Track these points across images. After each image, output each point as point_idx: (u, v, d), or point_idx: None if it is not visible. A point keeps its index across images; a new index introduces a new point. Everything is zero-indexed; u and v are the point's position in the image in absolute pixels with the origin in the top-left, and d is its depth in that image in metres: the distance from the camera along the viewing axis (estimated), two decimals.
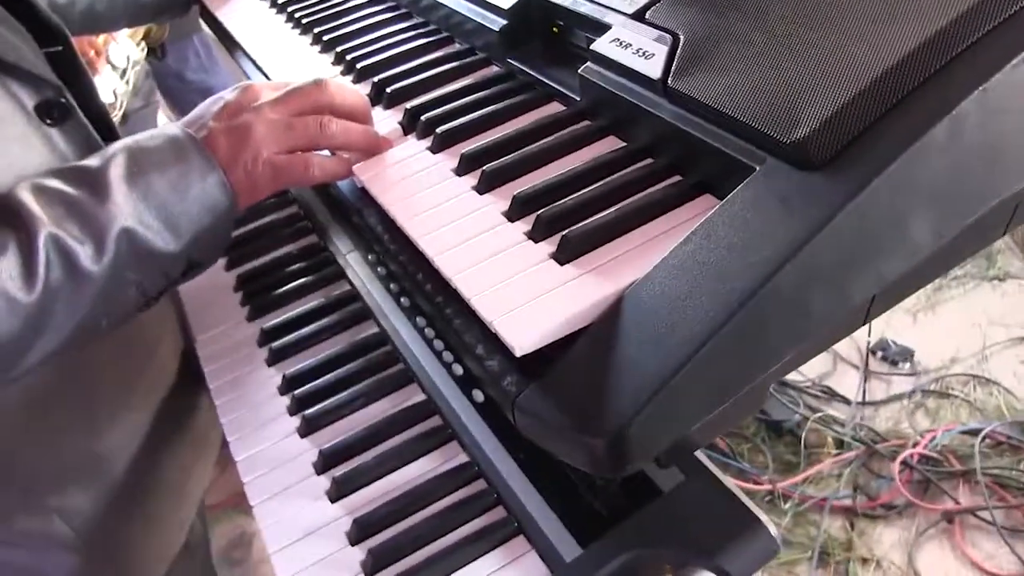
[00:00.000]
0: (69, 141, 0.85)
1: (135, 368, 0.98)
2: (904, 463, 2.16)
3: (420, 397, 0.88)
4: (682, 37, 0.68)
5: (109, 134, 0.92)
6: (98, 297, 0.72)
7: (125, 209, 0.72)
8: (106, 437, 0.94)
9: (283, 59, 1.11)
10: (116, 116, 1.84)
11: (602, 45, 0.74)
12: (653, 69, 0.68)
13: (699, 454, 0.73)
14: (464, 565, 0.73)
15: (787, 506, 2.12)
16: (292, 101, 0.80)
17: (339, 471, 0.82)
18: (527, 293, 0.61)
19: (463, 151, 0.76)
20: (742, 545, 0.66)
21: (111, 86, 1.87)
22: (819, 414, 2.34)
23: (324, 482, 0.82)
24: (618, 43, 0.73)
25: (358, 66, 0.98)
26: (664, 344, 0.54)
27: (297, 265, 1.11)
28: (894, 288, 0.62)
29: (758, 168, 0.59)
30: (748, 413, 0.65)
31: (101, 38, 1.86)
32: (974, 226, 0.62)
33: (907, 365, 2.48)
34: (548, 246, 0.65)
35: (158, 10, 1.40)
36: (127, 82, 1.93)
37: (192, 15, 1.46)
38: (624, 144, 0.73)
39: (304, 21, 1.16)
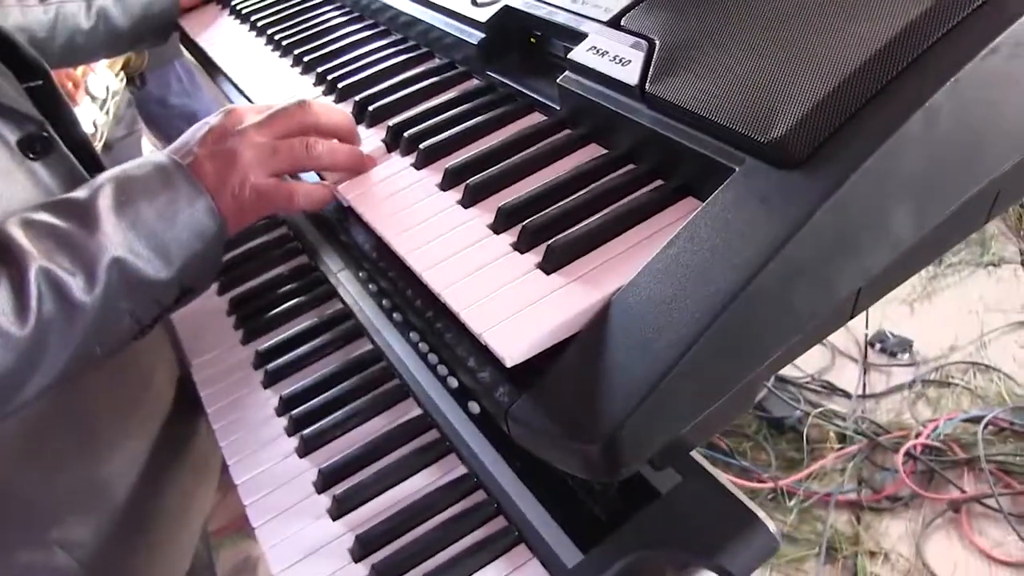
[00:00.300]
0: (53, 174, 0.85)
1: (131, 396, 0.98)
2: (907, 454, 2.17)
3: (416, 412, 0.88)
4: (657, 42, 0.69)
5: (93, 165, 0.92)
6: (91, 328, 0.72)
7: (115, 239, 0.72)
8: (105, 466, 0.94)
9: (265, 82, 1.12)
10: (97, 146, 1.85)
11: (579, 54, 0.74)
12: (630, 75, 0.69)
13: (698, 454, 0.73)
14: None
15: (792, 503, 2.12)
16: (276, 123, 0.81)
17: (339, 489, 0.82)
18: (515, 304, 0.61)
19: (447, 166, 0.77)
20: (741, 543, 0.66)
21: (91, 117, 1.88)
22: (820, 409, 2.34)
23: (325, 500, 0.82)
24: (595, 51, 0.73)
25: (339, 85, 0.98)
26: (652, 348, 0.54)
27: (289, 286, 1.11)
28: (880, 280, 0.63)
29: (737, 169, 0.60)
30: (741, 411, 0.65)
31: (80, 69, 1.87)
32: (956, 215, 0.63)
33: (906, 356, 2.48)
34: (534, 256, 0.65)
35: (137, 39, 1.41)
36: (107, 112, 1.94)
37: (172, 41, 1.47)
38: (605, 151, 0.74)
39: (284, 43, 1.17)
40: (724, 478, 0.71)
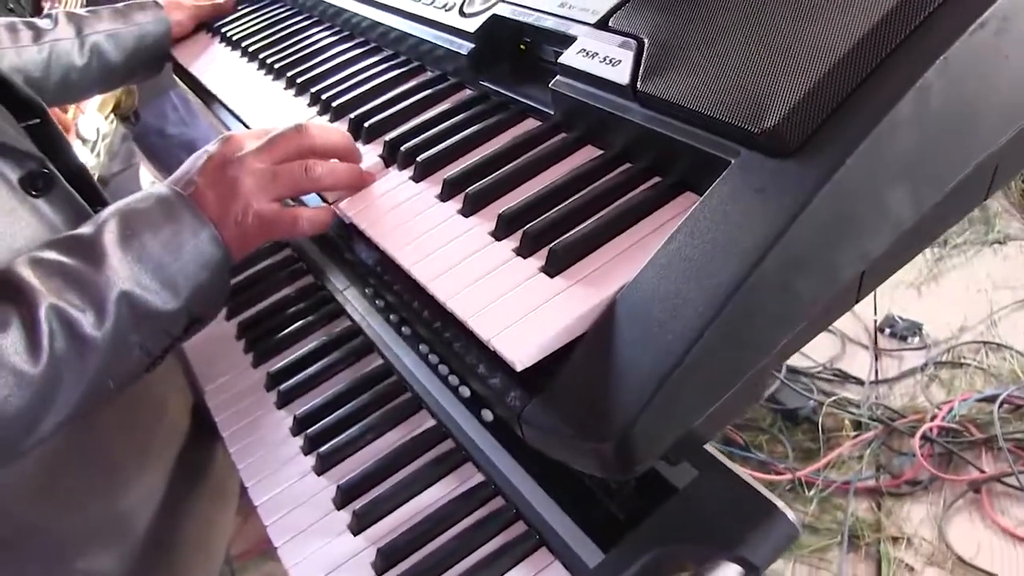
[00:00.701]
0: (57, 210, 0.86)
1: (146, 427, 0.98)
2: (924, 437, 2.16)
3: (431, 423, 0.88)
4: (646, 41, 0.69)
5: (95, 199, 0.93)
6: (103, 362, 0.72)
7: (122, 273, 0.73)
8: (125, 499, 0.94)
9: (260, 106, 1.13)
10: None
11: (569, 57, 0.75)
12: (621, 75, 0.69)
13: (713, 449, 0.73)
14: None
15: (811, 493, 2.11)
16: (275, 148, 0.81)
17: (358, 504, 0.83)
18: (521, 308, 0.62)
19: (445, 176, 0.77)
20: (761, 533, 0.66)
21: (81, 159, 1.89)
22: (833, 398, 2.34)
23: (345, 516, 0.83)
24: (585, 53, 0.74)
25: (334, 105, 0.99)
26: (659, 343, 0.55)
27: (296, 307, 1.12)
28: (882, 262, 0.63)
29: (733, 161, 0.60)
30: (752, 402, 0.65)
31: (70, 112, 1.88)
32: (954, 193, 0.63)
33: (916, 339, 2.48)
34: (537, 260, 0.66)
35: (131, 72, 1.42)
36: (97, 155, 1.95)
37: (166, 71, 1.48)
38: (601, 152, 0.74)
39: (277, 66, 1.17)
40: (741, 470, 0.71)
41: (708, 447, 0.73)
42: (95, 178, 1.83)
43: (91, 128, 1.93)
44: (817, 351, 2.50)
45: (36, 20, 1.32)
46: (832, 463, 2.18)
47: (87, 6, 1.49)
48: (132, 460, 0.96)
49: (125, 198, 0.79)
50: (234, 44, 1.34)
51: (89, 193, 0.93)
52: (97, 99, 1.93)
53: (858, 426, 2.26)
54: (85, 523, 0.91)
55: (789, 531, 0.67)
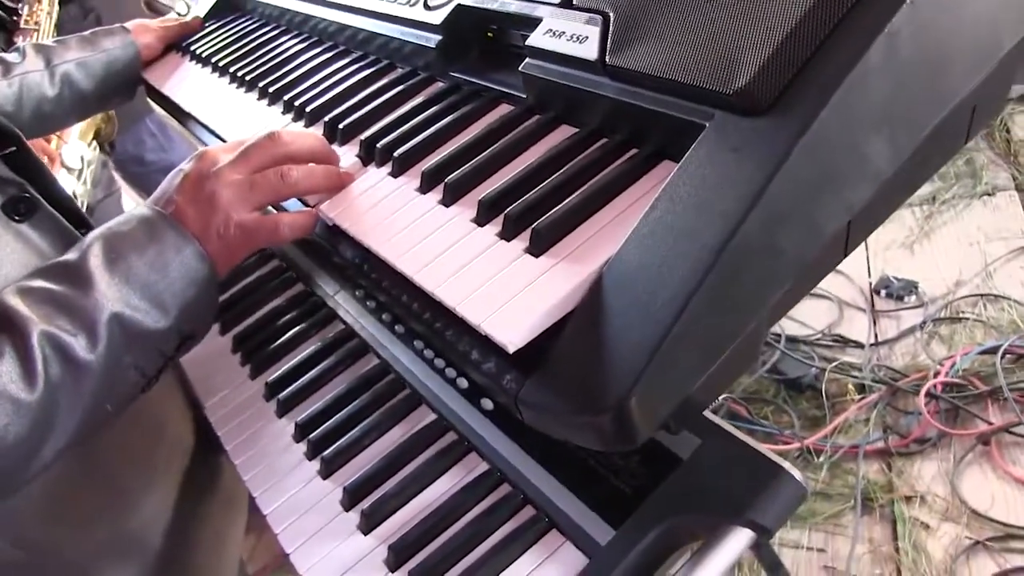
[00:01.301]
0: (42, 234, 0.86)
1: (148, 446, 0.98)
2: (929, 395, 2.16)
3: (431, 417, 0.88)
4: (611, 15, 0.69)
5: (79, 222, 0.93)
6: (99, 385, 0.72)
7: (110, 295, 0.73)
8: (135, 517, 0.94)
9: (234, 119, 1.12)
10: None
11: (537, 39, 0.75)
12: (589, 51, 0.69)
13: (717, 419, 0.73)
14: (504, 569, 0.73)
15: (820, 460, 2.11)
16: (250, 158, 0.81)
17: (366, 503, 0.82)
18: (509, 290, 0.62)
19: (422, 169, 0.77)
20: (769, 495, 0.66)
21: (70, 188, 1.89)
22: (835, 363, 2.34)
23: (353, 517, 0.82)
24: (552, 34, 0.73)
25: (307, 110, 0.99)
26: (648, 312, 0.54)
27: (288, 315, 1.11)
28: (867, 213, 0.63)
29: (707, 125, 0.60)
30: (748, 363, 0.65)
31: (53, 143, 1.88)
32: (933, 137, 0.63)
33: (913, 297, 2.48)
34: (520, 242, 0.65)
35: (104, 99, 1.41)
36: (84, 182, 1.95)
37: (141, 99, 1.48)
38: (576, 130, 0.74)
39: (247, 78, 1.17)
40: (744, 436, 0.71)
41: (708, 414, 0.72)
42: (83, 207, 1.84)
43: (75, 157, 1.93)
44: (815, 318, 2.50)
45: (3, 55, 1.31)
46: (839, 428, 2.18)
47: (58, 36, 1.48)
48: (138, 480, 0.96)
49: (108, 223, 0.79)
50: (204, 61, 1.34)
51: (75, 218, 0.93)
52: (78, 127, 1.94)
53: (862, 389, 2.26)
54: (97, 544, 0.91)
55: (797, 491, 0.67)
